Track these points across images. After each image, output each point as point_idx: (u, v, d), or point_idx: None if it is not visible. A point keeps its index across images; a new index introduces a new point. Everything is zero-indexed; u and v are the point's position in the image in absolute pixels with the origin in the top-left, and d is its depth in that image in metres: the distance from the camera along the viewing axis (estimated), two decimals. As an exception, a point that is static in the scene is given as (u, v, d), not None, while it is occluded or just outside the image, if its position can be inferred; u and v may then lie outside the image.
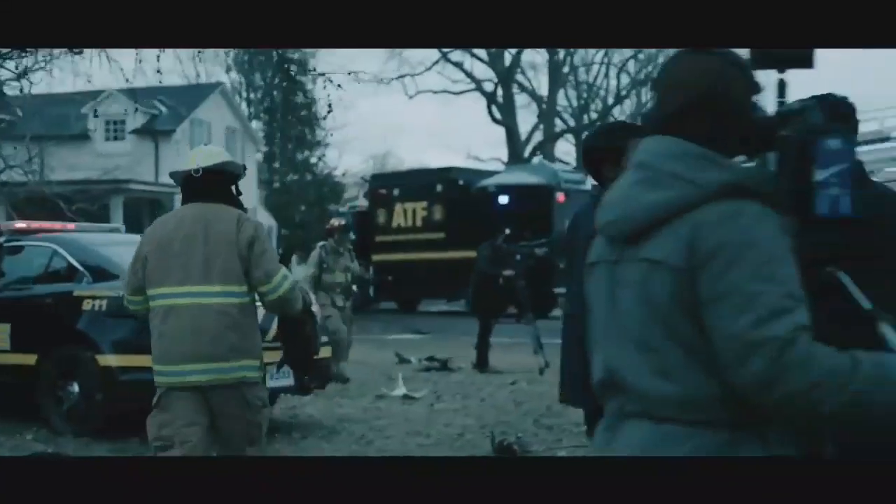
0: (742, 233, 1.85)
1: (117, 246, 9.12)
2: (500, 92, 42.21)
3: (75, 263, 8.82)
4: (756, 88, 2.03)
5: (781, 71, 2.35)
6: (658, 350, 1.93)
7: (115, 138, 33.04)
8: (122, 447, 7.69)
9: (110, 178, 28.81)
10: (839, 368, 1.81)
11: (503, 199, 23.89)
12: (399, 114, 63.33)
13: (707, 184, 1.91)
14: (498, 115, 42.44)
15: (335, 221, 12.94)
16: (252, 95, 48.06)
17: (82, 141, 31.74)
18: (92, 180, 27.69)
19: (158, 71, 12.16)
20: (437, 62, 42.21)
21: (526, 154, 40.67)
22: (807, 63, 2.49)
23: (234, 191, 4.80)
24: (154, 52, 11.67)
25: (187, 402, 4.52)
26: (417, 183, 26.51)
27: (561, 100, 44.25)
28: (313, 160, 44.46)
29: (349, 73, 14.31)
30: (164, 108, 33.66)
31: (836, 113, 2.29)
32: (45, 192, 17.78)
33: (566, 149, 45.24)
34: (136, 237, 10.16)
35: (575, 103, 45.12)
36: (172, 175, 4.95)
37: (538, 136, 43.16)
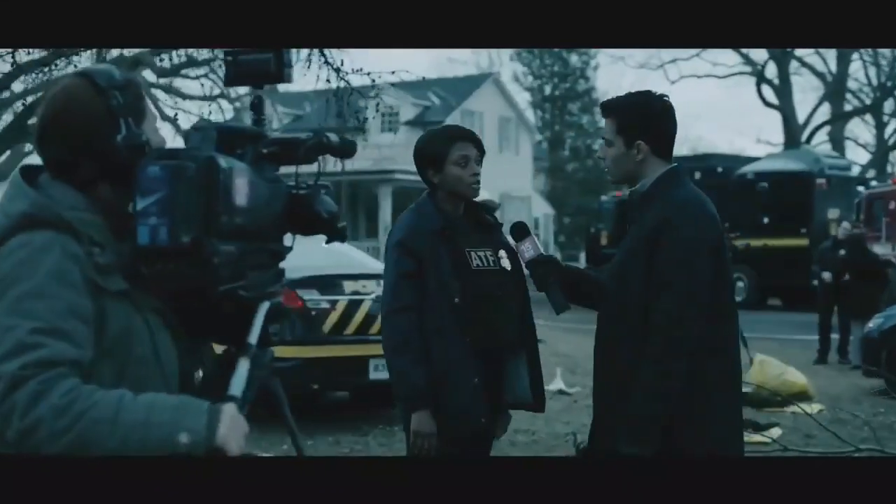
0: (17, 265, 1.83)
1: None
2: (773, 71, 39.69)
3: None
4: (130, 112, 1.95)
5: (258, 87, 2.04)
6: None
7: (389, 129, 34.31)
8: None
9: (378, 169, 29.95)
10: (65, 408, 1.73)
11: (762, 187, 22.64)
12: (690, 100, 61.64)
13: (14, 214, 1.89)
14: (771, 98, 40.00)
15: None
16: (533, 83, 48.42)
17: (358, 133, 33.18)
18: (363, 171, 29.00)
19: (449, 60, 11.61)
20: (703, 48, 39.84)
21: (804, 137, 38.09)
22: (280, 78, 2.17)
23: None
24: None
25: None
26: (675, 171, 25.62)
27: (860, 76, 41.11)
28: (595, 147, 44.21)
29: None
30: (436, 100, 34.53)
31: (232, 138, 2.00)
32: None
33: (858, 131, 42.03)
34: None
35: (875, 81, 41.79)
36: None
37: (819, 117, 40.32)
